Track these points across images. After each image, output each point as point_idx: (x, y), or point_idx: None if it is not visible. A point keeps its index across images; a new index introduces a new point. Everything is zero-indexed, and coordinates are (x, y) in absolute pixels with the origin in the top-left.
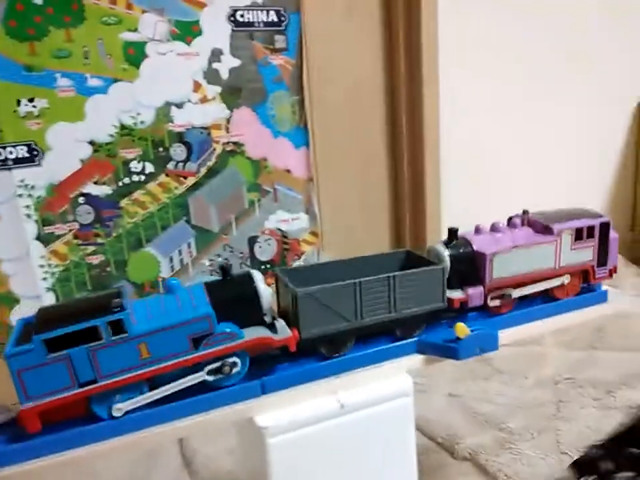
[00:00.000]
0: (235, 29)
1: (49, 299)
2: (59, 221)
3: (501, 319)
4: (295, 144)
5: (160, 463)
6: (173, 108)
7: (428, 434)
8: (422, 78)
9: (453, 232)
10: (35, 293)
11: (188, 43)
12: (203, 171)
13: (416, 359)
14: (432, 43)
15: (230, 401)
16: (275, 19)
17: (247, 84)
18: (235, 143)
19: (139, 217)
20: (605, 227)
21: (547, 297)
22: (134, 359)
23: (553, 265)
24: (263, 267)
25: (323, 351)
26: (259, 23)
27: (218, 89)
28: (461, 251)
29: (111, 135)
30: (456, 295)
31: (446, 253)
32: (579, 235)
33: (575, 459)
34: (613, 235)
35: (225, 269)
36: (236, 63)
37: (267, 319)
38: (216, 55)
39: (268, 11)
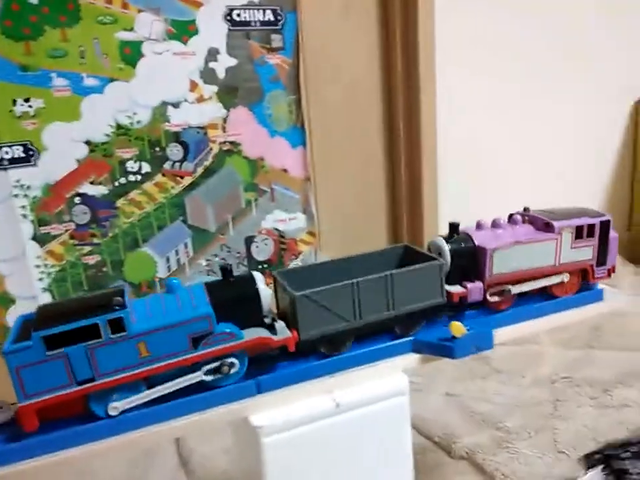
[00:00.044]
0: (231, 28)
1: (45, 300)
2: (55, 221)
3: (497, 317)
4: (292, 143)
5: (156, 463)
6: (170, 107)
7: (425, 433)
8: (419, 76)
9: (454, 227)
10: (31, 293)
11: (184, 42)
12: (200, 170)
13: (412, 358)
14: (429, 41)
15: (225, 400)
16: (272, 18)
17: (243, 83)
18: (231, 143)
19: (135, 217)
20: (605, 226)
21: (545, 294)
22: (133, 358)
23: (552, 263)
24: (260, 266)
25: (322, 350)
26: (255, 22)
27: (214, 88)
28: (462, 245)
29: (107, 135)
30: (455, 289)
31: (447, 247)
32: (579, 233)
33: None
34: (613, 234)
35: (225, 270)
36: (232, 62)
37: (267, 320)
38: (212, 54)
39: (264, 10)
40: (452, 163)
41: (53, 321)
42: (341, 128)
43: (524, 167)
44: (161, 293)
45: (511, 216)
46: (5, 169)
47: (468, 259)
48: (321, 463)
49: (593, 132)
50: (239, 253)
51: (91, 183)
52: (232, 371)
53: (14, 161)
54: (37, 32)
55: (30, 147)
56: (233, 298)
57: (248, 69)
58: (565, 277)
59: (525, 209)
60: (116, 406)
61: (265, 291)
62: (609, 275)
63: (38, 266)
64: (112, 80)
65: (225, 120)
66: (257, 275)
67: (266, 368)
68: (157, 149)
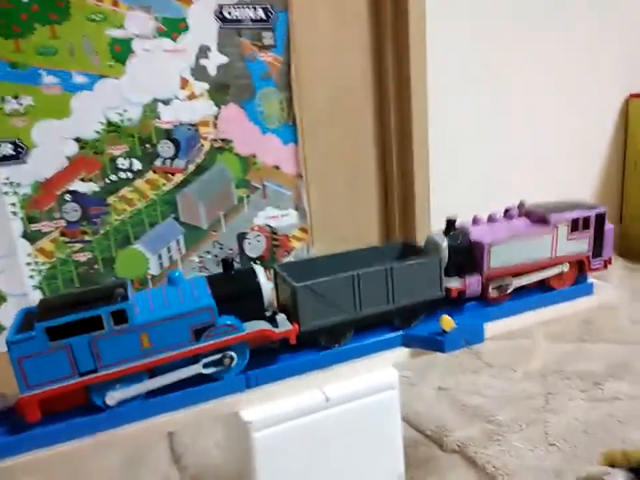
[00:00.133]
0: (222, 25)
1: (36, 297)
2: (45, 219)
3: (490, 310)
4: (284, 140)
5: (149, 459)
6: (160, 104)
7: (417, 427)
8: (410, 73)
9: (451, 222)
10: (22, 290)
11: (174, 40)
12: (191, 167)
13: (402, 352)
14: (419, 37)
15: (217, 394)
16: (263, 16)
17: (234, 80)
18: (223, 140)
19: (127, 214)
20: (600, 218)
21: (542, 287)
22: (135, 349)
23: (549, 255)
24: (252, 263)
25: (322, 342)
26: (246, 19)
27: (205, 85)
28: (459, 240)
29: (98, 132)
30: (454, 284)
31: (444, 242)
32: (575, 225)
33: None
34: (608, 226)
35: (227, 263)
36: (223, 59)
37: (268, 313)
38: (203, 51)
39: (255, 8)
40: (443, 159)
41: (56, 312)
42: (333, 124)
43: (515, 161)
44: (163, 285)
45: (507, 210)
46: None
47: (465, 253)
48: (312, 457)
49: (584, 126)
50: (231, 249)
51: (82, 180)
52: (233, 363)
53: (3, 159)
54: (26, 29)
55: (19, 144)
56: (234, 291)
57: (239, 67)
58: (565, 267)
59: (521, 203)
60: (113, 395)
61: (266, 284)
62: (605, 267)
63: (29, 263)
64: (102, 77)
65: (216, 117)
66: (258, 268)
67: (266, 360)
68: (148, 145)
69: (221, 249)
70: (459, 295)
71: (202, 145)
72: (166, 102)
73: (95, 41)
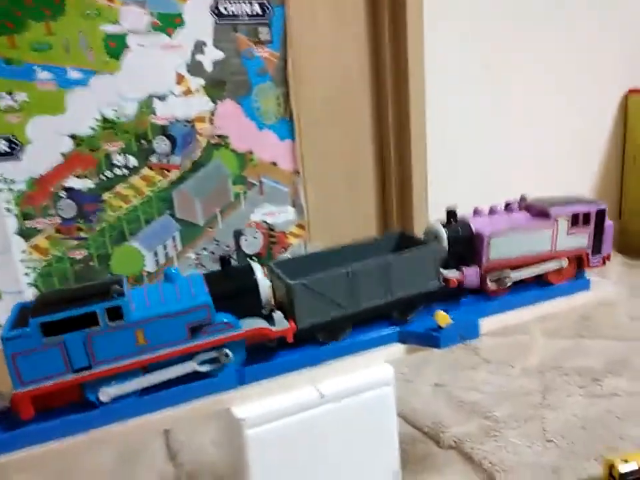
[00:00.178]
0: (218, 21)
1: (31, 294)
2: (40, 215)
3: (486, 305)
4: (281, 136)
5: (145, 456)
6: (156, 100)
7: (414, 423)
8: (407, 67)
9: (451, 213)
10: (17, 288)
11: (169, 35)
12: (187, 164)
13: (398, 349)
14: (417, 33)
15: (212, 391)
16: (259, 12)
17: (230, 76)
18: (219, 136)
19: (122, 211)
20: (600, 214)
21: (540, 282)
22: (130, 346)
23: (549, 249)
24: (249, 260)
25: (320, 338)
26: (242, 15)
27: (201, 81)
28: (460, 231)
29: (93, 128)
30: (452, 275)
31: (444, 233)
32: (575, 220)
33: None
34: (608, 222)
35: (224, 260)
36: (219, 55)
37: (265, 310)
38: (199, 47)
39: (251, 3)
40: (443, 159)
41: (51, 308)
42: (330, 120)
43: (514, 156)
44: (160, 282)
45: (507, 203)
46: None
47: (465, 244)
48: (306, 455)
49: (584, 123)
50: (228, 246)
51: (77, 176)
52: (229, 360)
53: None
54: (21, 26)
55: (14, 140)
56: (231, 288)
57: (235, 62)
58: (564, 262)
59: (522, 197)
60: (107, 392)
61: (264, 282)
62: (604, 263)
63: (23, 261)
64: (97, 73)
65: (212, 113)
66: (256, 266)
67: (262, 356)
68: (143, 142)
69: (218, 245)
70: (459, 286)
71: (198, 141)
72: (161, 98)
73: (90, 36)
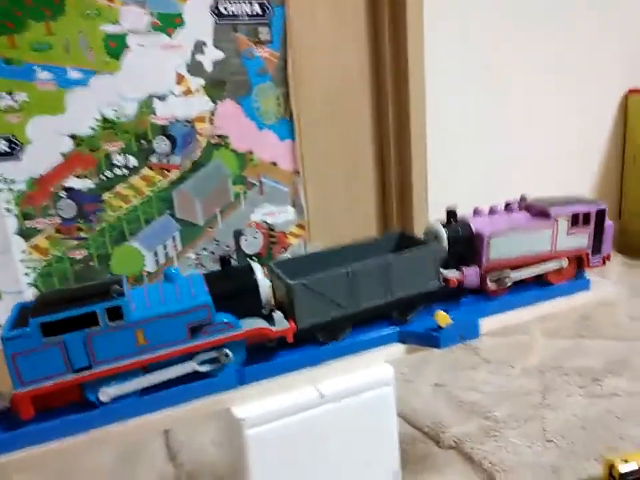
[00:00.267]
0: (218, 21)
1: (31, 294)
2: (40, 215)
3: (486, 305)
4: (281, 136)
5: (145, 456)
6: (156, 100)
7: (414, 423)
8: (408, 68)
9: (451, 213)
10: (17, 288)
11: (169, 35)
12: (187, 164)
13: (398, 349)
14: (417, 33)
15: (212, 391)
16: (259, 12)
17: (230, 76)
18: (219, 136)
19: (122, 211)
20: (600, 214)
21: (540, 282)
22: (130, 346)
23: (549, 249)
24: (249, 260)
25: (320, 338)
26: (242, 15)
27: (201, 81)
28: (460, 231)
29: (93, 128)
30: (452, 275)
31: (444, 232)
32: (575, 220)
33: None
34: (608, 222)
35: (224, 260)
36: (219, 55)
37: (265, 310)
38: (199, 47)
39: (251, 3)
40: (443, 159)
41: (51, 308)
42: (330, 120)
43: (514, 156)
44: (160, 281)
45: (508, 203)
46: None
47: (465, 244)
48: (306, 455)
49: (584, 123)
50: (228, 246)
51: (77, 176)
52: (229, 360)
53: None
54: (21, 26)
55: (14, 140)
56: (231, 288)
57: (235, 62)
58: (564, 262)
59: (522, 197)
60: (107, 392)
61: (264, 282)
62: (604, 263)
63: (23, 261)
64: (97, 73)
65: (212, 113)
66: (256, 266)
67: (262, 356)
68: (143, 142)
69: (218, 245)
70: (459, 286)
71: (198, 141)
72: (161, 98)
73: (90, 36)
